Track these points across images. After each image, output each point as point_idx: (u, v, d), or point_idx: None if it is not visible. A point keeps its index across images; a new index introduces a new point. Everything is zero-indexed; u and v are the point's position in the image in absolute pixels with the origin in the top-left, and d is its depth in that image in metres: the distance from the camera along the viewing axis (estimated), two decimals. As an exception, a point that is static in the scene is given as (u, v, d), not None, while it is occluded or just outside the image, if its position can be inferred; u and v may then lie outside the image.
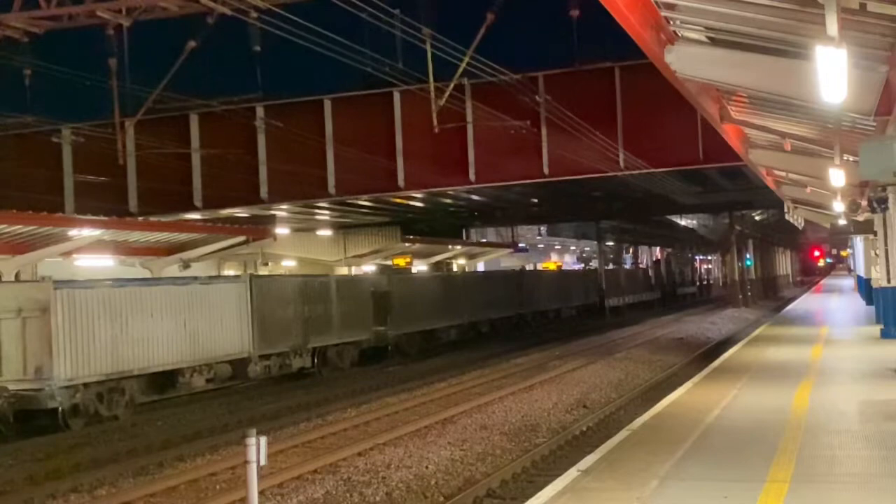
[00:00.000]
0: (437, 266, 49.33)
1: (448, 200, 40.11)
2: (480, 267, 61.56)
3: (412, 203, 38.16)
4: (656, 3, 10.52)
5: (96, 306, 19.40)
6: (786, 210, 35.81)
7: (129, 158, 28.21)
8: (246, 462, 8.25)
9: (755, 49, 11.61)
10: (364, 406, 20.57)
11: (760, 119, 17.13)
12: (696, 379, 18.16)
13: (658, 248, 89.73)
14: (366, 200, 33.84)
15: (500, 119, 25.41)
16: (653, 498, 8.91)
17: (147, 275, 26.44)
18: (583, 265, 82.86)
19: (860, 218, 29.97)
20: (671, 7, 10.80)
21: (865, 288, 41.98)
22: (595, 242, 67.79)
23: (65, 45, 25.94)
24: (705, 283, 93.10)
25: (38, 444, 17.39)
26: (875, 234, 29.67)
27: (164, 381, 21.58)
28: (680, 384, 18.05)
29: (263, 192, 28.89)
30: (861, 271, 50.04)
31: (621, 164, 26.37)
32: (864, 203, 25.28)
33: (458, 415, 18.56)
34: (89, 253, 25.29)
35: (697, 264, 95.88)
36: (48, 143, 28.05)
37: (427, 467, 13.91)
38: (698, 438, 11.76)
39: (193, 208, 29.54)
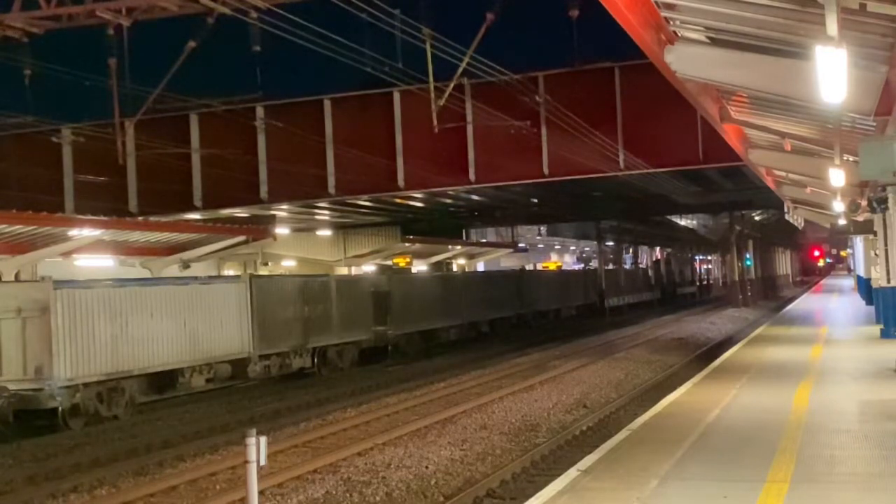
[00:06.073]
0: (437, 266, 49.32)
1: (448, 200, 40.11)
2: (480, 267, 61.53)
3: (412, 203, 38.16)
4: (656, 3, 10.53)
5: (96, 306, 19.40)
6: (786, 210, 35.84)
7: (129, 158, 28.20)
8: (246, 462, 8.26)
9: (755, 49, 11.62)
10: (364, 406, 20.57)
11: (760, 119, 17.15)
12: (695, 379, 18.16)
13: (658, 248, 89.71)
14: (366, 200, 33.84)
15: (500, 119, 25.40)
16: (653, 498, 8.91)
17: (147, 275, 26.43)
18: (583, 265, 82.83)
19: (860, 218, 29.95)
20: (671, 7, 10.81)
21: (865, 288, 41.98)
22: (595, 242, 67.77)
23: (65, 45, 25.94)
24: (705, 283, 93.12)
25: (38, 444, 17.37)
26: (875, 234, 29.66)
27: (163, 380, 21.57)
28: (680, 384, 18.05)
29: (263, 192, 28.91)
30: (861, 271, 50.03)
31: (621, 164, 26.38)
32: (863, 203, 25.27)
33: (457, 415, 18.56)
34: (89, 253, 25.28)
35: (697, 264, 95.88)
36: (48, 143, 28.04)
37: (427, 467, 13.91)
38: (698, 438, 11.77)
39: (193, 208, 29.56)
